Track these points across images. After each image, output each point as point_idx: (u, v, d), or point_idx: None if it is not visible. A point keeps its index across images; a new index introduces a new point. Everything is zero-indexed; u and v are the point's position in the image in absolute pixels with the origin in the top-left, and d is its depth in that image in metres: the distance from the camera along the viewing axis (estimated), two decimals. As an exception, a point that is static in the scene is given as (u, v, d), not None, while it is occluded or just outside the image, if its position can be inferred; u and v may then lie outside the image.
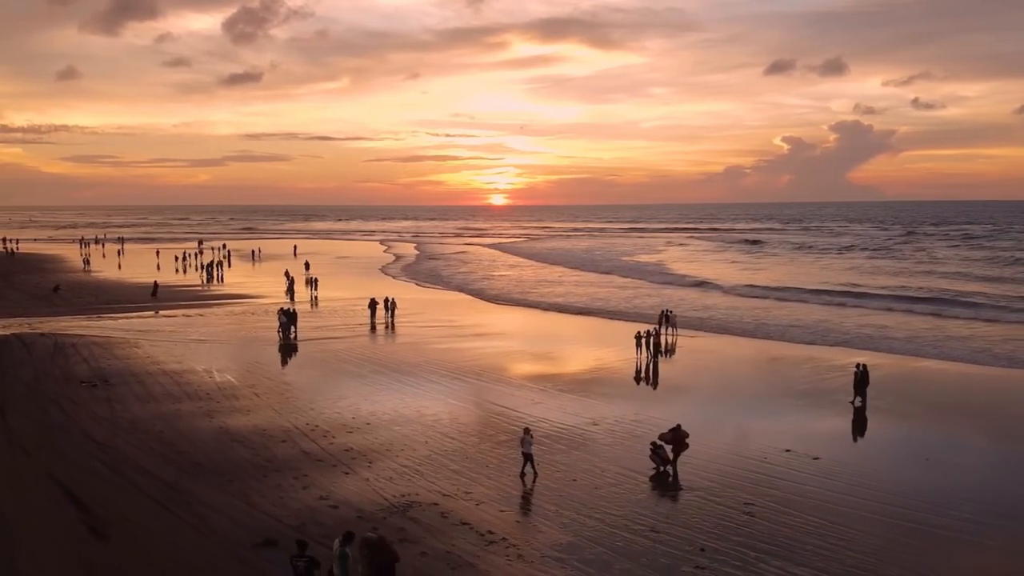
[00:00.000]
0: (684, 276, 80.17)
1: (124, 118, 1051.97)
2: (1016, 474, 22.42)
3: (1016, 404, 30.45)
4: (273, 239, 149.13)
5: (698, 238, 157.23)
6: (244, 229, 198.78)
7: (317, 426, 25.79)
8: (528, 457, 21.60)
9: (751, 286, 69.68)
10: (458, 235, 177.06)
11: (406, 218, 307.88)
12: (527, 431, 21.93)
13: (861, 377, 29.39)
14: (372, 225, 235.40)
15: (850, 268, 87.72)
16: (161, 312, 51.08)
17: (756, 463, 22.69)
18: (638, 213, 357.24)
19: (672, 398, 30.81)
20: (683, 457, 22.58)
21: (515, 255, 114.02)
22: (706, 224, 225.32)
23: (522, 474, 21.48)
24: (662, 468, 22.20)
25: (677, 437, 22.59)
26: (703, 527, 18.29)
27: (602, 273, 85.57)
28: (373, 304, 48.55)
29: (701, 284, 73.16)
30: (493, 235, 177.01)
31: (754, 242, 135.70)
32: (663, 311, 45.26)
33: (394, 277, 79.70)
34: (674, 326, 44.02)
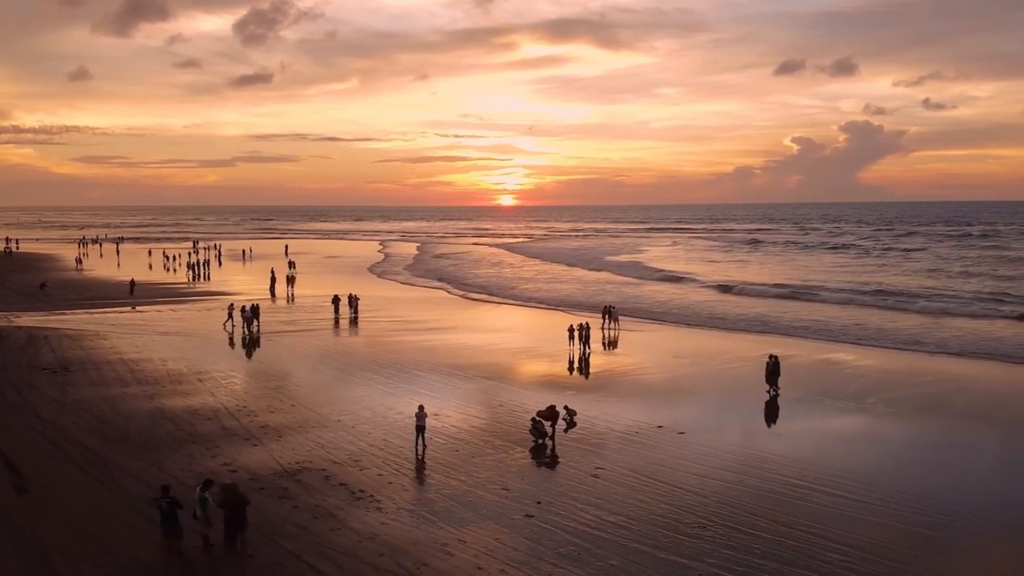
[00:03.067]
0: (659, 272, 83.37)
1: (134, 119, 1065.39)
2: (864, 449, 24.84)
3: (906, 385, 32.58)
4: (273, 239, 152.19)
5: (695, 237, 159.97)
6: (258, 229, 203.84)
7: (245, 406, 28.52)
8: (420, 430, 24.17)
9: (719, 281, 72.28)
10: (464, 236, 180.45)
11: (414, 219, 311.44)
12: (421, 407, 24.47)
13: (773, 368, 31.67)
14: (378, 225, 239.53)
15: (823, 266, 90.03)
16: (138, 308, 54.09)
17: (626, 436, 25.26)
18: (645, 214, 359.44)
19: (590, 385, 33.33)
20: (571, 433, 25.33)
21: (514, 253, 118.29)
22: (704, 224, 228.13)
23: (415, 445, 24.06)
24: (540, 441, 24.77)
25: (554, 414, 25.22)
26: (549, 487, 20.91)
27: (586, 269, 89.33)
28: (336, 300, 51.26)
29: (673, 279, 76.12)
30: (497, 235, 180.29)
31: (754, 241, 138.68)
32: (605, 306, 47.76)
33: (379, 276, 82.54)
34: (616, 320, 46.45)
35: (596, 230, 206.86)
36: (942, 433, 26.35)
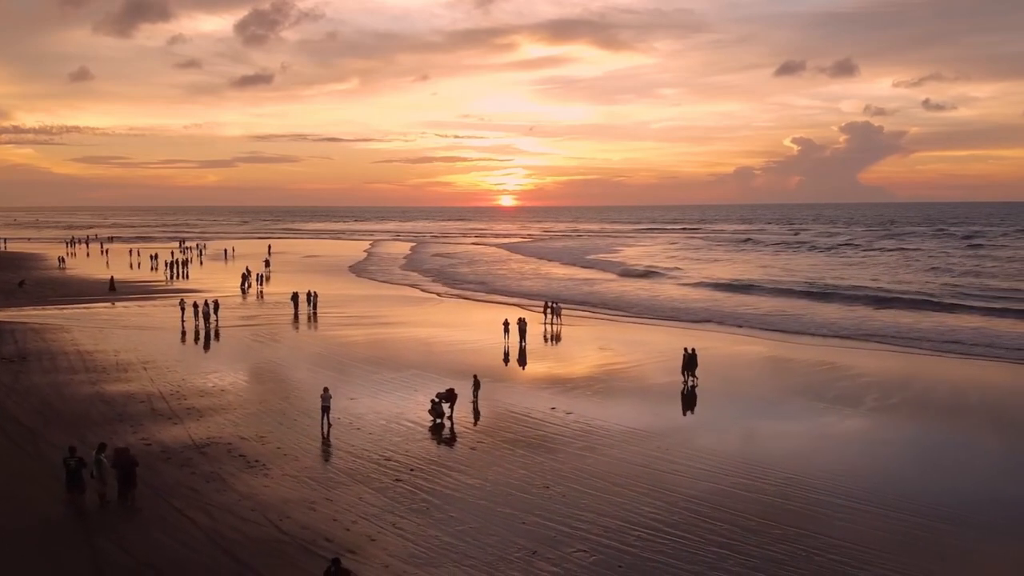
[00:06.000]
0: (629, 268, 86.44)
1: (135, 119, 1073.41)
2: (731, 430, 27.11)
3: (801, 375, 34.84)
4: (260, 239, 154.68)
5: (688, 237, 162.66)
6: (253, 230, 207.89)
7: (178, 391, 30.88)
8: (325, 410, 26.43)
9: (683, 278, 75.12)
10: (461, 236, 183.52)
11: (414, 219, 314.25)
12: (325, 389, 26.70)
13: (689, 359, 33.78)
14: (376, 226, 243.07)
15: (798, 263, 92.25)
16: (111, 304, 56.58)
17: (517, 417, 27.52)
18: (644, 214, 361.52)
19: (507, 375, 35.60)
20: (469, 414, 27.64)
21: (501, 251, 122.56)
22: (699, 224, 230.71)
23: (320, 424, 26.33)
24: (439, 420, 27.07)
25: (452, 395, 27.50)
26: (428, 457, 23.22)
27: (561, 266, 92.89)
28: (295, 297, 53.56)
29: (640, 276, 79.29)
30: (494, 236, 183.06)
31: (745, 240, 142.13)
32: (546, 302, 50.07)
33: (357, 275, 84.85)
34: (558, 315, 48.73)
35: (591, 230, 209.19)
36: (805, 417, 28.51)
